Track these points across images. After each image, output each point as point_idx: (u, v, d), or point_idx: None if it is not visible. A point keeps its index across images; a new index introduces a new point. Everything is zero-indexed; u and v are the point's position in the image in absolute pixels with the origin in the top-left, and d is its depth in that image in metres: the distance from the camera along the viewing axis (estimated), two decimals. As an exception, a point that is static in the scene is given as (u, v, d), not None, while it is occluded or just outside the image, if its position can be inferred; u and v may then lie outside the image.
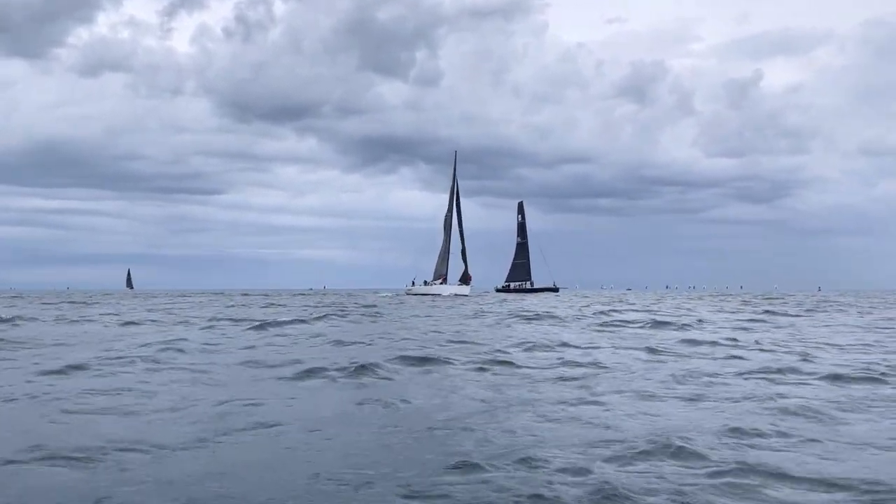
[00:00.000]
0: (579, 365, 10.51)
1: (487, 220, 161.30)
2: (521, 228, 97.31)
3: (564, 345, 13.68)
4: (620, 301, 47.61)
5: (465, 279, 69.08)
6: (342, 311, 28.88)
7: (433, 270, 72.81)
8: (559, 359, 11.33)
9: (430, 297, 57.72)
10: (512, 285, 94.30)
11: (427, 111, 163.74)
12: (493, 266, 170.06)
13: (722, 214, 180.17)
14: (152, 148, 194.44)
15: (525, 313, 26.65)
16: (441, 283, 68.56)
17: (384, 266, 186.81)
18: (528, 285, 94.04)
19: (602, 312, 27.48)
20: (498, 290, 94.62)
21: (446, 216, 73.21)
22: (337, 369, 9.63)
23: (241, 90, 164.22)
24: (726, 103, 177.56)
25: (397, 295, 67.27)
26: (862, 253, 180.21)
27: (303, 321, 20.92)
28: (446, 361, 10.85)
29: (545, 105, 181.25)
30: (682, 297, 60.74)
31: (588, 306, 35.64)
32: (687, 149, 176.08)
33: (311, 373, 9.46)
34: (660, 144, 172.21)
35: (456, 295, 61.26)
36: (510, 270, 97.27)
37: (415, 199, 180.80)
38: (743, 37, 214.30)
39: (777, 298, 56.45)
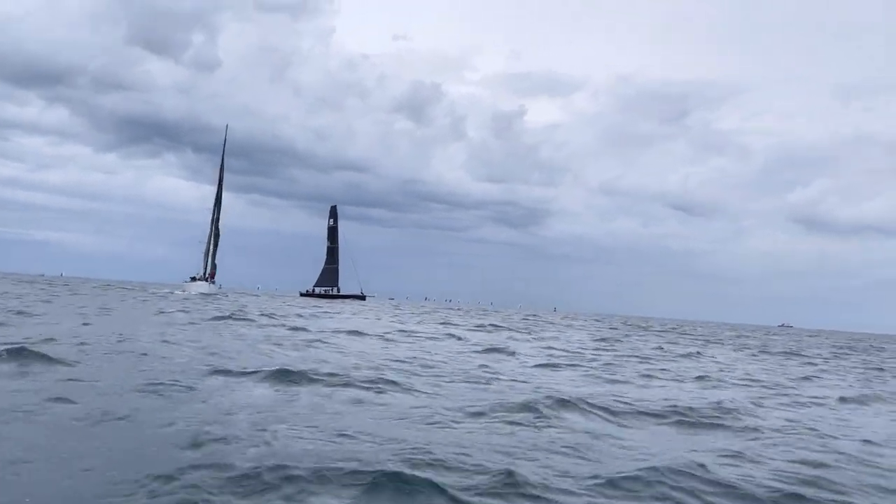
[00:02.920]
0: None
1: (253, 217, 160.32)
2: (333, 233, 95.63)
3: None
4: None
5: (212, 276, 65.25)
6: None
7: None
8: None
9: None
10: (317, 290, 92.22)
11: (200, 97, 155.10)
12: (249, 266, 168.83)
13: (482, 234, 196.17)
14: None
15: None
16: (199, 281, 63.72)
17: (135, 256, 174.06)
18: (334, 291, 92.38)
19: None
20: (302, 295, 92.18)
21: (215, 206, 68.04)
22: None
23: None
24: (493, 132, 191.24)
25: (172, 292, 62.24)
26: (595, 279, 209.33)
27: None
28: None
29: (325, 109, 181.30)
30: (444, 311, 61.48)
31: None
32: (455, 170, 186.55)
33: None
34: (432, 163, 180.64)
35: (203, 294, 56.68)
36: (320, 275, 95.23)
37: (178, 187, 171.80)
38: (513, 73, 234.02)
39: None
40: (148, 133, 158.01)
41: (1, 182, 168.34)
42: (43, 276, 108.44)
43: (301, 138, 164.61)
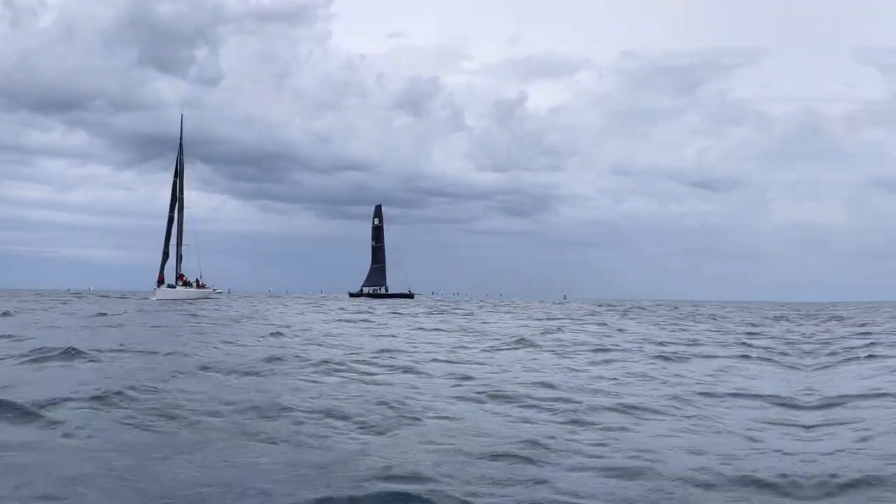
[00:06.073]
0: None
1: (263, 223, 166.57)
2: (378, 232, 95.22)
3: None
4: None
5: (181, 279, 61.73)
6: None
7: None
8: None
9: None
10: (365, 290, 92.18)
11: (206, 110, 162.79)
12: (263, 269, 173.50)
13: (488, 226, 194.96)
14: None
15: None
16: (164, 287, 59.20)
17: (154, 266, 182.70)
18: (382, 290, 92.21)
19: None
20: (352, 295, 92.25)
21: (172, 205, 61.25)
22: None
23: (7, 77, 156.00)
24: (495, 121, 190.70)
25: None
26: (609, 264, 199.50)
27: None
28: None
29: (326, 112, 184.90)
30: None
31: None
32: (458, 162, 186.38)
33: None
34: (433, 156, 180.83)
35: (161, 300, 50.78)
36: (368, 275, 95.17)
37: (190, 198, 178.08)
38: (512, 58, 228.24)
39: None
40: (161, 149, 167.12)
41: (29, 204, 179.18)
42: (69, 290, 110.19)
43: (303, 142, 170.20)
